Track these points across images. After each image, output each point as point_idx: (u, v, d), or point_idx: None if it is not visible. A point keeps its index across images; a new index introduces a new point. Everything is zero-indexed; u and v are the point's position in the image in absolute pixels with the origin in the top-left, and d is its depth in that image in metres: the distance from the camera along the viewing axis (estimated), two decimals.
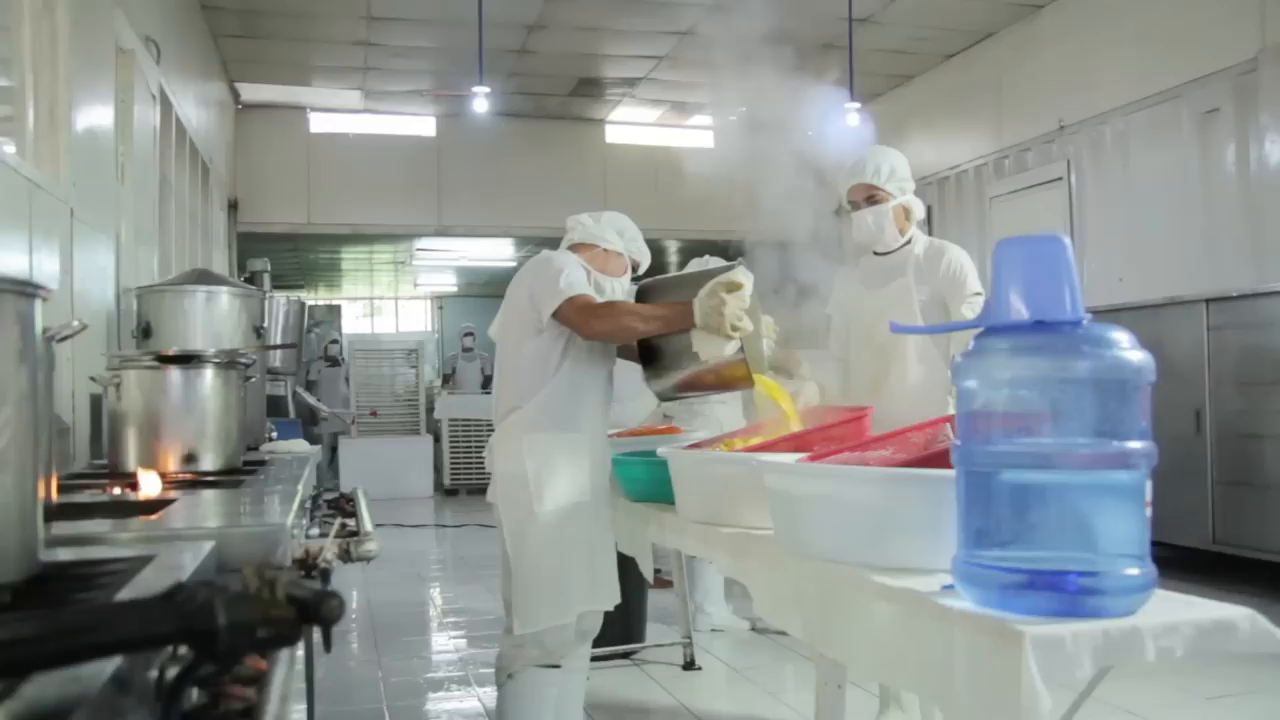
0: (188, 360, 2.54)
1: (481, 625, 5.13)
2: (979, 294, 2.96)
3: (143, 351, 2.88)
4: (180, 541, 1.37)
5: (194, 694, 1.04)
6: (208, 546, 1.33)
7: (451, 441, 10.85)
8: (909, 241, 3.12)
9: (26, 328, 1.11)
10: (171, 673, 0.99)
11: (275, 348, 3.54)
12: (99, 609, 0.76)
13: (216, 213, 8.05)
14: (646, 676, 4.01)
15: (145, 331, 4.03)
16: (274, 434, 4.63)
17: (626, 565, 3.36)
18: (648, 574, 3.16)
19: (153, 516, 1.62)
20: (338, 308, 18.56)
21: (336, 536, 2.26)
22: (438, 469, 11.08)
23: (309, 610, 0.78)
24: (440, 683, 4.11)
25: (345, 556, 2.15)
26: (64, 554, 1.31)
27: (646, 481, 2.91)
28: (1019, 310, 1.48)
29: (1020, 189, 7.88)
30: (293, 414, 8.06)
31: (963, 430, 1.54)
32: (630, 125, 11.09)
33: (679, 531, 2.64)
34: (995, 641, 1.38)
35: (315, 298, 17.54)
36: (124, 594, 1.03)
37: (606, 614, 4.13)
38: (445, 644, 4.78)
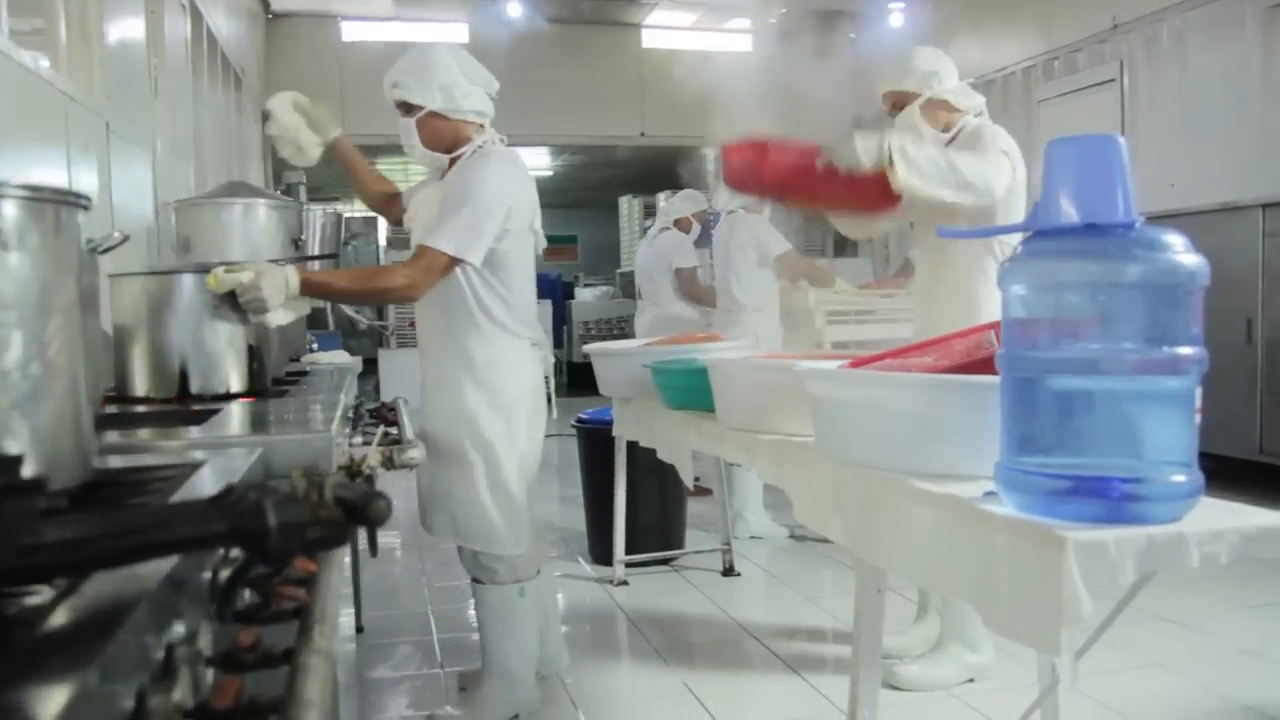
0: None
1: None
2: (1004, 152, 2.76)
3: (180, 265, 2.90)
4: (229, 449, 1.39)
5: (246, 594, 1.07)
6: (256, 453, 1.36)
7: None
8: (955, 135, 2.98)
9: (71, 238, 1.12)
10: (224, 574, 1.02)
11: (313, 258, 3.54)
12: (154, 510, 0.78)
13: (250, 125, 8.02)
14: (686, 582, 4.08)
15: (184, 245, 4.07)
16: (315, 345, 4.69)
17: (665, 472, 3.40)
18: (687, 481, 3.19)
19: (197, 427, 1.65)
20: (374, 219, 18.55)
21: (379, 445, 2.31)
22: None
23: (357, 511, 0.79)
24: None
25: (389, 463, 2.20)
26: (117, 461, 1.34)
27: (686, 389, 2.91)
28: (1069, 213, 1.44)
29: (1069, 91, 7.62)
30: (332, 326, 8.13)
31: (1008, 335, 1.51)
32: (667, 29, 10.82)
33: (719, 439, 2.65)
34: (1038, 546, 1.38)
35: (353, 210, 17.55)
36: (177, 498, 1.06)
37: (645, 521, 4.22)
38: None
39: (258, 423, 1.71)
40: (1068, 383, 1.44)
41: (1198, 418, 1.43)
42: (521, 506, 2.68)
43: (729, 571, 4.16)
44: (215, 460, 1.30)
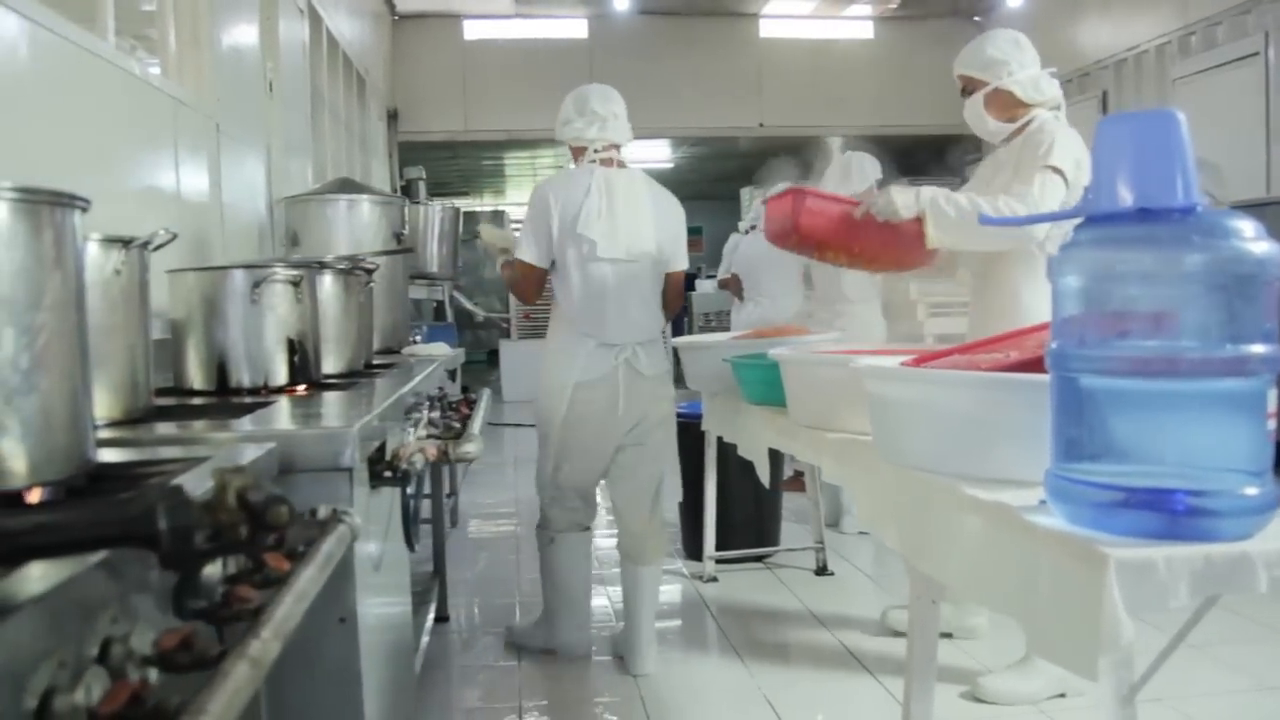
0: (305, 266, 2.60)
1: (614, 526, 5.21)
2: (1055, 169, 2.63)
3: (272, 259, 2.98)
4: (241, 444, 1.40)
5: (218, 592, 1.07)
6: (265, 449, 1.36)
7: None
8: (1021, 129, 2.82)
9: (64, 236, 1.14)
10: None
11: (388, 253, 3.62)
12: (53, 513, 0.77)
13: (374, 123, 8.26)
14: (777, 580, 3.99)
15: (293, 240, 4.21)
16: (418, 337, 4.78)
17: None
18: (764, 479, 3.11)
19: (229, 419, 1.67)
20: (502, 213, 18.97)
21: (438, 437, 2.31)
22: None
23: (257, 516, 0.77)
24: None
25: (444, 457, 2.19)
26: (128, 455, 1.36)
27: (765, 384, 2.83)
28: (1123, 197, 1.31)
29: (1208, 68, 7.12)
30: (450, 318, 8.33)
31: (1058, 331, 1.39)
32: (785, 19, 10.64)
33: (791, 436, 2.57)
34: (1078, 564, 1.26)
35: (480, 204, 17.96)
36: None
37: (738, 516, 4.14)
38: None
39: (291, 416, 1.72)
40: (1120, 383, 1.31)
41: (1272, 423, 1.28)
42: (546, 472, 3.15)
43: (822, 571, 4.04)
44: (224, 454, 1.31)
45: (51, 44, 2.44)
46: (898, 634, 3.24)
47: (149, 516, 0.73)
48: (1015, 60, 2.81)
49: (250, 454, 1.30)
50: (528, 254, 3.00)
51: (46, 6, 2.42)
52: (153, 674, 0.89)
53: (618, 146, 3.07)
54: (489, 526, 5.15)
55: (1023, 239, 2.67)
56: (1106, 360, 1.31)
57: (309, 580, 1.12)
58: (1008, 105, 2.83)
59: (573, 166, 3.11)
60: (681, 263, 3.14)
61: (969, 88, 2.87)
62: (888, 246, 2.84)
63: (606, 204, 2.94)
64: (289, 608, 1.02)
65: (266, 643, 0.92)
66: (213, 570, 1.08)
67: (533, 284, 3.05)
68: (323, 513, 1.38)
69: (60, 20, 2.48)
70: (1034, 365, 1.74)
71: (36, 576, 0.78)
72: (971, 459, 1.65)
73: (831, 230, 2.84)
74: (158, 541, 0.73)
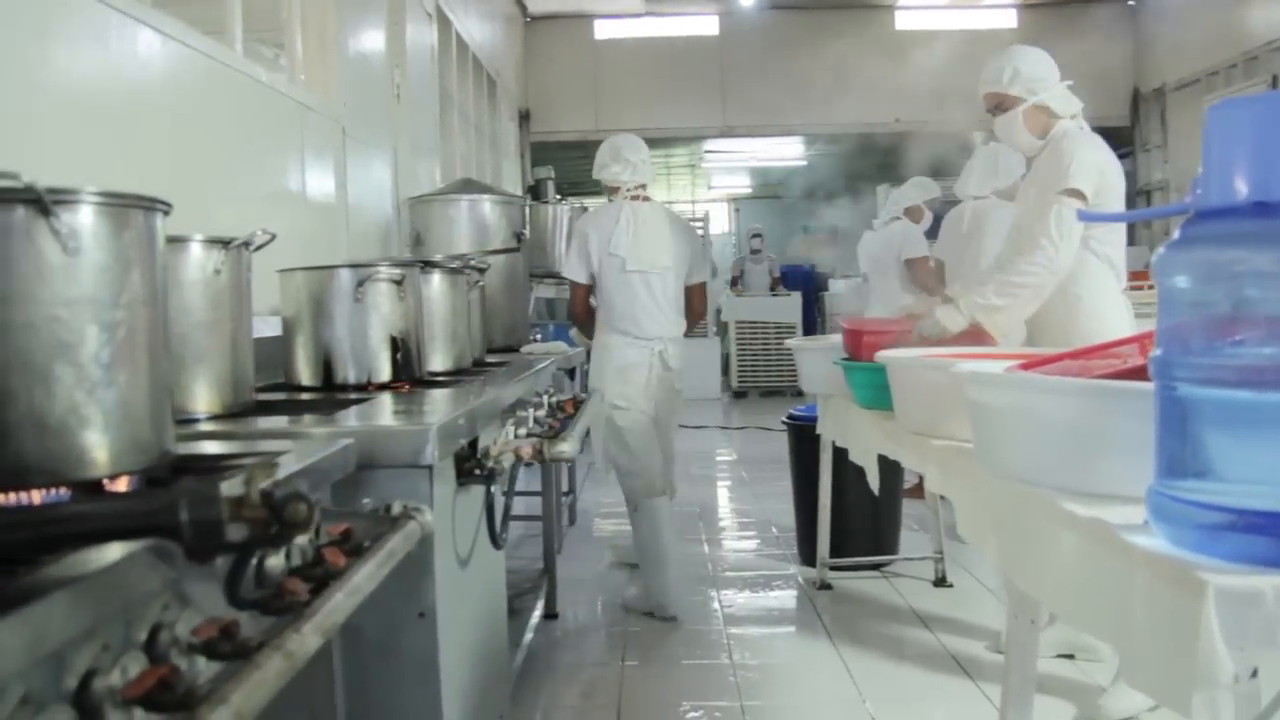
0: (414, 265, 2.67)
1: (732, 529, 5.17)
2: (1076, 192, 2.67)
3: (380, 258, 3.06)
4: (321, 440, 1.43)
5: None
6: (340, 445, 1.39)
7: (739, 344, 10.93)
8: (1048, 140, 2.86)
9: (144, 237, 1.18)
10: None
11: (498, 252, 3.68)
12: (81, 503, 0.80)
13: (505, 124, 8.43)
14: (891, 590, 3.88)
15: (416, 239, 4.33)
16: (539, 335, 4.85)
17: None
18: (874, 486, 3.02)
19: (323, 414, 1.72)
20: None
21: (537, 436, 2.32)
22: (726, 371, 11.22)
23: (277, 512, 0.77)
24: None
25: (539, 457, 2.20)
26: (215, 447, 1.42)
27: (875, 387, 2.75)
28: (1238, 189, 1.20)
29: None
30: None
31: (1162, 337, 1.29)
32: (922, 9, 10.34)
33: (898, 441, 2.48)
34: (1175, 590, 1.16)
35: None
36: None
37: (854, 522, 4.04)
38: (691, 548, 4.76)
39: (376, 414, 1.76)
40: (1230, 395, 1.20)
41: None
42: (612, 450, 3.71)
43: (940, 582, 3.90)
44: (300, 448, 1.34)
45: (184, 55, 2.57)
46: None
47: (172, 509, 0.74)
48: (1049, 75, 2.86)
49: (324, 451, 1.33)
50: (574, 273, 3.81)
51: (178, 19, 2.56)
52: (201, 662, 0.92)
53: (644, 185, 3.83)
54: (609, 525, 5.17)
55: (1060, 273, 2.71)
56: (1215, 369, 1.20)
57: (365, 576, 1.13)
58: (1042, 120, 2.86)
59: (607, 200, 3.90)
60: (700, 275, 3.92)
61: (1003, 105, 2.88)
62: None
63: (633, 229, 3.70)
64: (337, 602, 1.04)
65: (305, 636, 0.93)
66: (276, 562, 1.12)
67: (579, 296, 3.89)
68: (396, 509, 1.40)
69: (191, 33, 2.61)
70: (1134, 373, 1.63)
71: (85, 561, 0.81)
72: (1075, 471, 1.55)
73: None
74: (180, 533, 0.74)
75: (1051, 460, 1.59)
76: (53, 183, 1.08)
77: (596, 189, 4.17)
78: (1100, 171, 2.72)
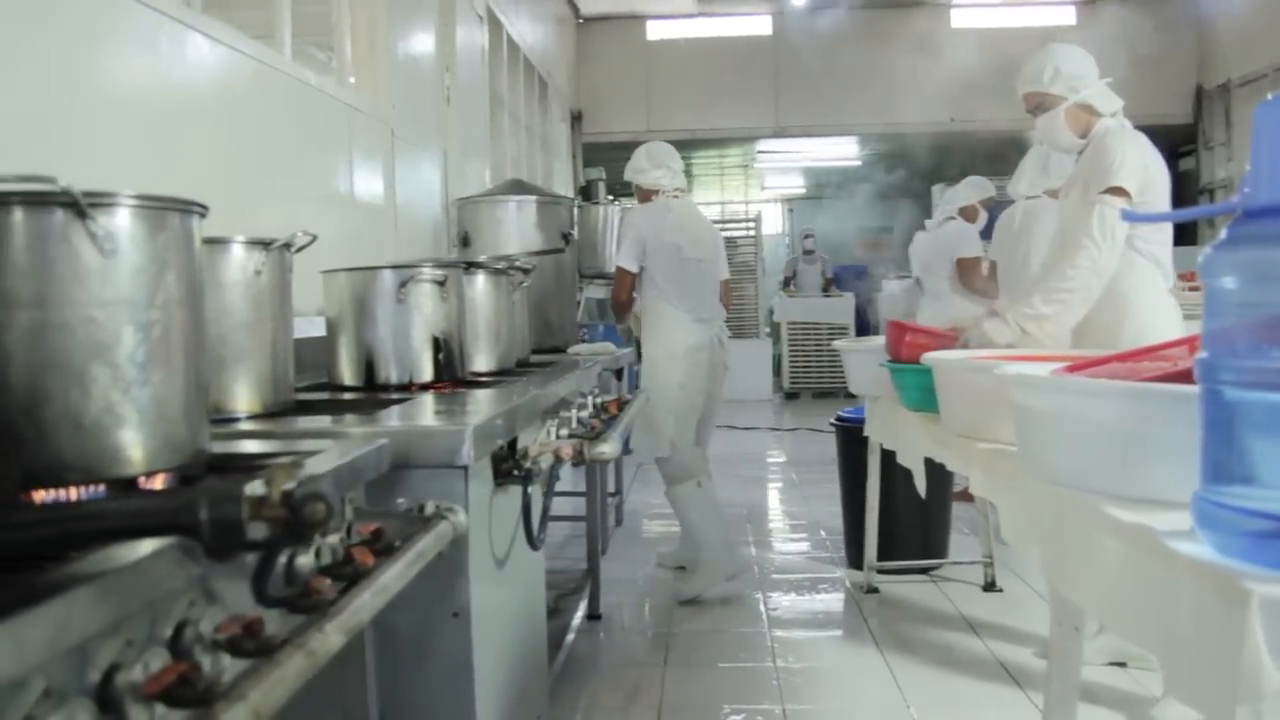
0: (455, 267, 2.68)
1: (780, 532, 5.13)
2: (1120, 190, 2.62)
3: (423, 259, 3.08)
4: (353, 440, 1.44)
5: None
6: (374, 445, 1.40)
7: (791, 345, 10.86)
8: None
9: (180, 239, 1.20)
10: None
11: (543, 253, 3.68)
12: (105, 501, 0.81)
13: (557, 125, 8.47)
14: (940, 594, 3.82)
15: (464, 240, 4.36)
16: (586, 336, 4.86)
17: (927, 475, 3.17)
18: (920, 488, 2.97)
19: (362, 414, 1.73)
20: None
21: (578, 437, 2.32)
22: (778, 372, 11.16)
23: (297, 511, 0.78)
24: None
25: (579, 458, 2.20)
26: (253, 446, 1.44)
27: (922, 389, 2.71)
28: None
29: None
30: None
31: (1208, 339, 1.25)
32: (978, 7, 10.18)
33: (944, 444, 2.44)
34: (1219, 599, 1.13)
35: None
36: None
37: (902, 525, 3.99)
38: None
39: (414, 415, 1.77)
40: (1277, 399, 1.16)
41: None
42: (667, 431, 3.88)
43: (990, 587, 3.83)
44: (337, 447, 1.36)
45: (233, 59, 2.62)
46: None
47: (192, 508, 0.75)
48: (1089, 73, 2.82)
49: (356, 451, 1.34)
50: (626, 261, 4.03)
51: (228, 24, 2.60)
52: (225, 659, 0.93)
53: (680, 189, 4.14)
54: (656, 526, 5.17)
55: (1105, 275, 2.67)
56: (1262, 372, 1.17)
57: (393, 576, 1.14)
58: (1084, 118, 2.83)
59: (638, 203, 4.21)
60: (725, 271, 4.26)
61: (1044, 105, 2.84)
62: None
63: (684, 222, 4.04)
64: (363, 601, 1.05)
65: (328, 635, 0.94)
66: (305, 561, 1.13)
67: (625, 283, 4.06)
68: (429, 509, 1.41)
69: (240, 37, 2.66)
70: (1183, 376, 1.58)
71: (112, 557, 0.83)
72: (1119, 476, 1.51)
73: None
74: (199, 531, 0.75)
75: (1096, 464, 1.56)
76: (103, 186, 1.11)
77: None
78: (1144, 168, 2.67)
